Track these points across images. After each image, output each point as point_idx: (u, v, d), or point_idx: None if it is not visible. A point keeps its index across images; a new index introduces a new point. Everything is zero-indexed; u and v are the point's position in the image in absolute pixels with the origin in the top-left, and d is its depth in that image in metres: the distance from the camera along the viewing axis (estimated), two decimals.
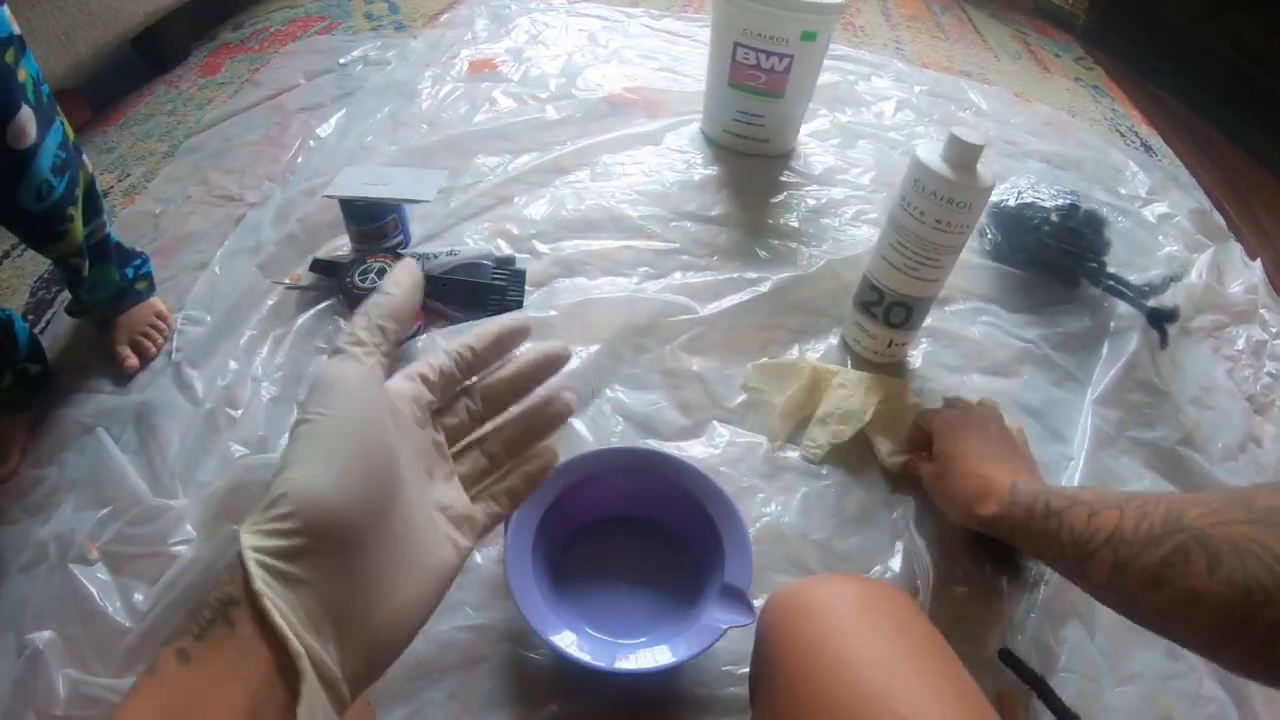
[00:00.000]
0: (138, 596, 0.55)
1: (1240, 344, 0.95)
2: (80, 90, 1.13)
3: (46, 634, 0.52)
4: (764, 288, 0.82)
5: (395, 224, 0.80)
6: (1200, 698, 0.57)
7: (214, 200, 0.93)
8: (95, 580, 0.55)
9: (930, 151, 0.76)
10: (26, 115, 0.55)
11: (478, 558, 0.58)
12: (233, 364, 0.71)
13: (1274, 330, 0.98)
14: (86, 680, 0.50)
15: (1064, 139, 1.31)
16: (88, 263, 0.68)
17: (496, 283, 0.77)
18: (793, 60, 0.94)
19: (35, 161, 0.57)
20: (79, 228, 0.64)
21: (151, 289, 0.77)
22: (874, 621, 0.36)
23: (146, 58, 1.23)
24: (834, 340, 0.80)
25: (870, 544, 0.63)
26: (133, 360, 0.71)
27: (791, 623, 0.37)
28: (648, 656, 0.46)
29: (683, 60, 1.29)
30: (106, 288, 0.71)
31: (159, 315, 0.75)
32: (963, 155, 0.73)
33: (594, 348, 0.73)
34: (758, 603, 0.48)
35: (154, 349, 0.73)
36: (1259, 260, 1.11)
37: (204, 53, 1.30)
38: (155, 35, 1.19)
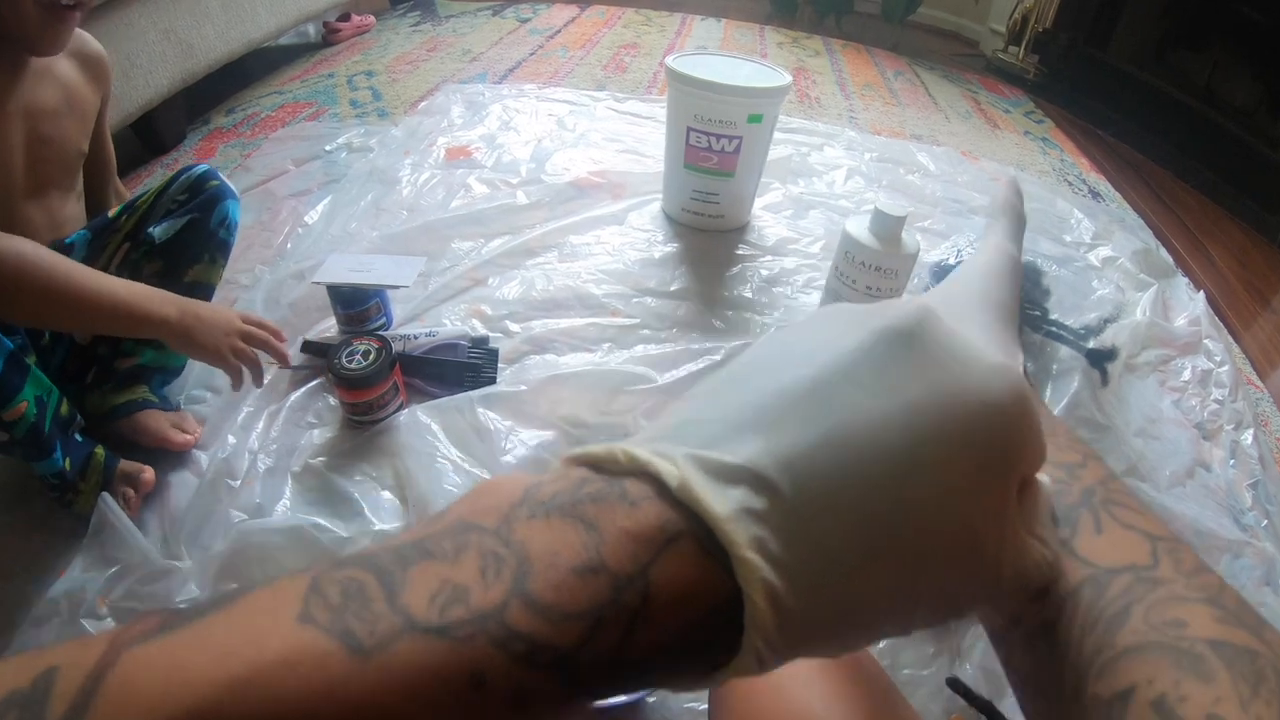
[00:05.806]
0: None
1: (1186, 375, 1.04)
2: None
3: None
4: (718, 355, 0.92)
5: (378, 307, 0.92)
6: None
7: None
8: None
9: (858, 225, 0.90)
10: None
11: None
12: (231, 439, 0.80)
13: (1218, 359, 1.07)
14: None
15: None
16: None
17: (472, 361, 0.87)
18: (741, 141, 1.09)
19: None
20: None
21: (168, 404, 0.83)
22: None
23: (144, 141, 1.35)
24: None
25: None
26: (187, 436, 0.79)
27: None
28: None
29: (645, 141, 1.43)
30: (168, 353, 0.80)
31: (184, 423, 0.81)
32: (887, 227, 0.86)
33: (561, 419, 0.82)
34: None
35: (198, 427, 0.81)
36: (1202, 292, 1.22)
37: (198, 137, 1.43)
38: (152, 120, 1.31)
